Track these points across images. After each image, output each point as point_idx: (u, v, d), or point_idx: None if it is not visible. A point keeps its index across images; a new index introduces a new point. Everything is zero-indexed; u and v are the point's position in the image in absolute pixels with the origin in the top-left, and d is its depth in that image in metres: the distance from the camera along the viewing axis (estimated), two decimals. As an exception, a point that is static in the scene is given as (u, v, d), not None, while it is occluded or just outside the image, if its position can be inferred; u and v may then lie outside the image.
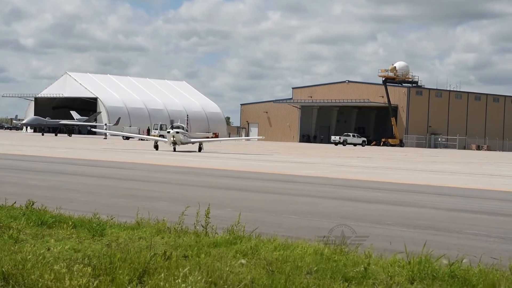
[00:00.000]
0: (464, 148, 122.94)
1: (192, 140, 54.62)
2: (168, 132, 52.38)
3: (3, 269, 7.54)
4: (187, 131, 55.17)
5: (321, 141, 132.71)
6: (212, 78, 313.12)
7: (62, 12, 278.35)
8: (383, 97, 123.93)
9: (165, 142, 54.13)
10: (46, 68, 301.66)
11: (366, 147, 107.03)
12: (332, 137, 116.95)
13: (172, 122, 56.75)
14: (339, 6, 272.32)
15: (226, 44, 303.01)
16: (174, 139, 51.01)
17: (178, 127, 52.81)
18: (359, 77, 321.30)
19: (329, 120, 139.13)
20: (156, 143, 55.33)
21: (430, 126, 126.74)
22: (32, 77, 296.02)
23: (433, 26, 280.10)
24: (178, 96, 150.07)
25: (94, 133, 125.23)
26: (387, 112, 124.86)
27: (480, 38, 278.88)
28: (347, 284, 7.81)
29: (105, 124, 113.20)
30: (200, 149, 52.02)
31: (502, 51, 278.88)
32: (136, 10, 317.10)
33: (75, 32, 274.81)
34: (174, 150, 50.67)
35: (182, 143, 51.78)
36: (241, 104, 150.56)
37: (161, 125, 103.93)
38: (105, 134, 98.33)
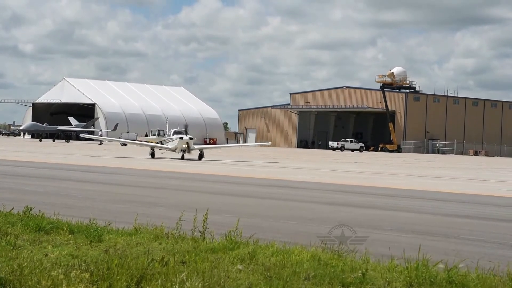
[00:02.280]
0: (462, 153, 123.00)
1: (196, 146, 49.49)
2: (181, 138, 46.31)
3: (1, 275, 7.53)
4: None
5: (319, 147, 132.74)
6: (211, 84, 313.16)
7: (62, 17, 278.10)
8: (380, 102, 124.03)
9: (163, 149, 49.20)
10: (45, 74, 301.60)
11: (364, 152, 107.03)
12: (330, 143, 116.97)
13: (186, 127, 48.75)
14: (339, 11, 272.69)
15: (225, 50, 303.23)
16: (187, 146, 46.08)
17: (181, 132, 47.95)
18: (358, 82, 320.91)
19: (327, 126, 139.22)
20: (152, 150, 49.63)
21: (427, 132, 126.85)
22: (30, 83, 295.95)
23: (433, 32, 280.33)
24: (176, 101, 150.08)
25: (91, 139, 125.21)
26: (385, 118, 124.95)
27: (479, 43, 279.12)
28: (344, 289, 7.81)
29: (100, 130, 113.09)
30: (201, 157, 46.91)
31: (501, 56, 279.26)
32: (136, 15, 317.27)
33: (74, 38, 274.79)
34: (183, 158, 46.17)
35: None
36: (238, 110, 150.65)
37: (158, 130, 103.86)
38: (100, 140, 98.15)
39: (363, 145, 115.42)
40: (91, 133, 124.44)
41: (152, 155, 48.53)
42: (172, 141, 47.89)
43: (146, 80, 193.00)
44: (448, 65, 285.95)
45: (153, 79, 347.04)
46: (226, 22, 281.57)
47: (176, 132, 48.77)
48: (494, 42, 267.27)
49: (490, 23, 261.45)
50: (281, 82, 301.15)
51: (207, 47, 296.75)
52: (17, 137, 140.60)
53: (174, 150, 47.38)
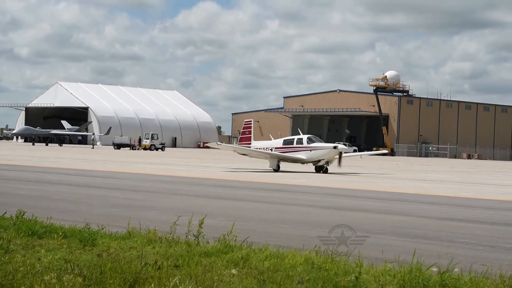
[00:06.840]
0: (455, 157, 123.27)
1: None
2: (335, 147, 39.18)
3: (-7, 280, 7.51)
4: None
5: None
6: (207, 87, 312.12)
7: (59, 21, 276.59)
8: (374, 106, 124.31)
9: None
10: (40, 77, 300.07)
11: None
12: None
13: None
14: (338, 15, 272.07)
15: (223, 53, 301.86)
16: (339, 156, 38.70)
17: (312, 140, 40.69)
18: (355, 86, 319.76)
19: (321, 129, 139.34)
20: (279, 161, 40.09)
21: (421, 135, 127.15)
22: (25, 87, 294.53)
23: (431, 36, 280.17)
24: (170, 105, 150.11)
25: (85, 142, 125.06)
26: (378, 121, 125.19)
27: (477, 47, 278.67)
28: (338, 293, 7.81)
29: (93, 134, 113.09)
30: (325, 170, 39.34)
31: (498, 60, 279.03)
32: (133, 19, 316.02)
33: (71, 42, 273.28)
34: (326, 172, 39.03)
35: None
36: (232, 114, 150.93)
37: (152, 134, 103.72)
38: (93, 144, 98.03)
39: (356, 148, 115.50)
40: (84, 136, 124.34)
41: (278, 167, 39.87)
42: (311, 150, 39.52)
43: (142, 84, 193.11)
44: (445, 68, 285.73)
45: (149, 83, 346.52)
46: (224, 26, 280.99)
47: (310, 140, 40.66)
48: (491, 46, 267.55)
49: (488, 27, 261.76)
50: (278, 86, 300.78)
51: (204, 51, 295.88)
52: (9, 141, 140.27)
53: (312, 161, 39.98)
